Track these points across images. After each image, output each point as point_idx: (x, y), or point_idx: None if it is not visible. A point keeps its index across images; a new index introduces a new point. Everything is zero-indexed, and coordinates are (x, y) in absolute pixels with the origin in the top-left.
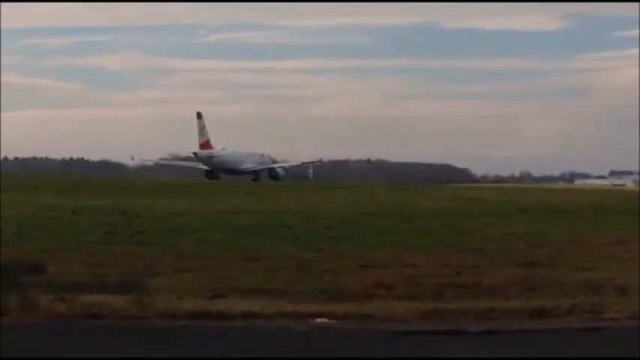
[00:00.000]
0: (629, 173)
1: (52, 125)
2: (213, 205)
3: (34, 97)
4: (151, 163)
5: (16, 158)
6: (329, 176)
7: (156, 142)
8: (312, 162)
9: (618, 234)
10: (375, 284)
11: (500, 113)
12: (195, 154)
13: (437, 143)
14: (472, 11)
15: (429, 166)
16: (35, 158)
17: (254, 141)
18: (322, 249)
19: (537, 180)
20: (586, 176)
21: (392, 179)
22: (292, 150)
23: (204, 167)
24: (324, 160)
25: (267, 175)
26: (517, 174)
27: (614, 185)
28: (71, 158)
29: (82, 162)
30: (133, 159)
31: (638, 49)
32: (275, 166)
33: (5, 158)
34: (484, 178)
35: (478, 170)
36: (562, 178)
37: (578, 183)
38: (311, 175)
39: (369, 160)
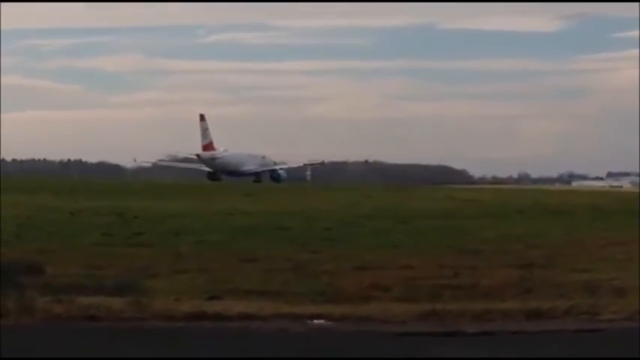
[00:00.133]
0: (627, 175)
1: (50, 126)
2: (211, 206)
3: (33, 98)
4: (148, 165)
5: (14, 160)
6: (327, 178)
7: (155, 144)
8: (314, 163)
9: (615, 235)
10: (372, 286)
11: (499, 114)
12: (198, 155)
13: (435, 144)
14: (471, 12)
15: (426, 168)
16: (34, 160)
17: (253, 142)
18: (319, 250)
19: (535, 181)
20: (584, 177)
21: (389, 180)
22: (291, 151)
23: (207, 169)
24: (320, 161)
25: (268, 177)
26: (515, 175)
27: (611, 187)
28: (69, 160)
29: (80, 163)
30: (135, 160)
31: (637, 50)
32: (277, 167)
33: (3, 160)
34: (482, 180)
35: (476, 171)
36: (560, 179)
37: (576, 184)
38: (309, 177)
39: (366, 162)
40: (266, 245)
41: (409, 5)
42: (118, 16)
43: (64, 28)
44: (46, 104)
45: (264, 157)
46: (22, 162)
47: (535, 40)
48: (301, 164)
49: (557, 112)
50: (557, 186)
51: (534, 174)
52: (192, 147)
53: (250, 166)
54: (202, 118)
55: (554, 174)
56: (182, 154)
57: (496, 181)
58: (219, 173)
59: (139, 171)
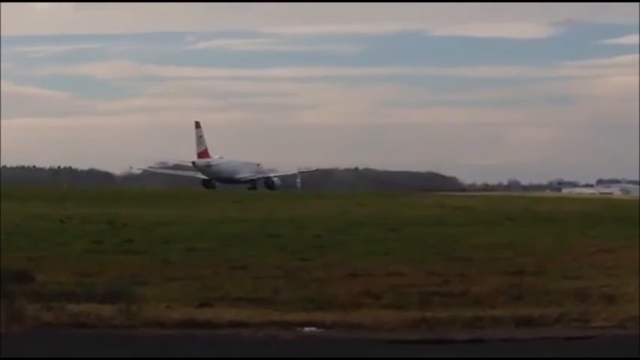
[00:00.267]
0: (617, 182)
1: (40, 134)
2: (202, 213)
3: (23, 105)
4: (139, 172)
5: (4, 167)
6: (317, 185)
7: (145, 151)
8: (307, 171)
9: (605, 242)
10: (363, 293)
11: (489, 121)
12: (193, 163)
13: (425, 151)
14: (460, 19)
15: (416, 175)
16: (23, 167)
17: (243, 149)
18: (310, 258)
19: (525, 188)
20: (574, 185)
21: (379, 188)
22: (280, 158)
23: (202, 176)
24: (315, 168)
25: (263, 184)
26: (505, 182)
27: (601, 194)
28: (59, 167)
29: (70, 171)
30: (131, 168)
31: (626, 57)
32: (271, 175)
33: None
34: (472, 187)
35: (466, 179)
36: (550, 186)
37: (566, 191)
38: (299, 184)
39: (356, 169)
40: (256, 253)
41: (397, 11)
42: (108, 23)
43: (53, 35)
44: (35, 111)
45: (258, 165)
46: (11, 169)
47: (524, 47)
48: (296, 171)
49: (547, 119)
50: (548, 193)
51: (524, 181)
52: (182, 154)
53: (245, 174)
54: (198, 125)
55: (544, 181)
56: (173, 161)
57: (486, 188)
58: (214, 180)
59: (129, 178)
